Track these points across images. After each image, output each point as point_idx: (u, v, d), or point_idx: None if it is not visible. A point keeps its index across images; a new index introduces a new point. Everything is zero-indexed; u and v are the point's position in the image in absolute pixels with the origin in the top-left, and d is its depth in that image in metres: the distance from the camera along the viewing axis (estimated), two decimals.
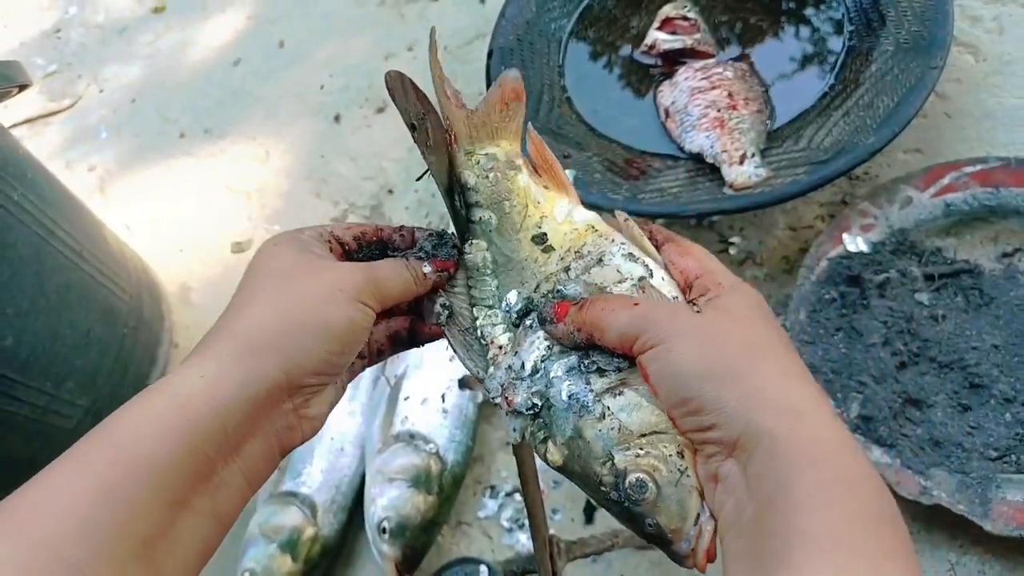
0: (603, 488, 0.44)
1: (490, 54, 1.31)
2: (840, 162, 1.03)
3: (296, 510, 1.09)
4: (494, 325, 0.52)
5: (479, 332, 0.52)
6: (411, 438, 1.09)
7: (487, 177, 0.54)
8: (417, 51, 1.57)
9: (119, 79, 1.82)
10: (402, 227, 0.55)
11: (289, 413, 0.46)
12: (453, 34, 1.56)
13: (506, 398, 0.48)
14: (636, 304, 0.45)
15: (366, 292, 0.48)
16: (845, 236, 1.08)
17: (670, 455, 0.43)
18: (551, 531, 0.81)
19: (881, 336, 1.00)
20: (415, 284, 0.52)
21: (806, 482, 0.37)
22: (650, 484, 0.42)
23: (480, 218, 0.54)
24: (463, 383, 1.14)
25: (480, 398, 1.14)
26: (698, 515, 0.42)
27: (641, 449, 0.43)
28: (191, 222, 1.53)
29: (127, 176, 1.65)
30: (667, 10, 1.26)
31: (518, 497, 1.10)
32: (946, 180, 1.08)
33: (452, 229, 0.56)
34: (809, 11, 1.24)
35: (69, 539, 0.37)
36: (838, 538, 0.36)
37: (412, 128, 0.50)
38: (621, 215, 0.53)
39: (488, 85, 1.26)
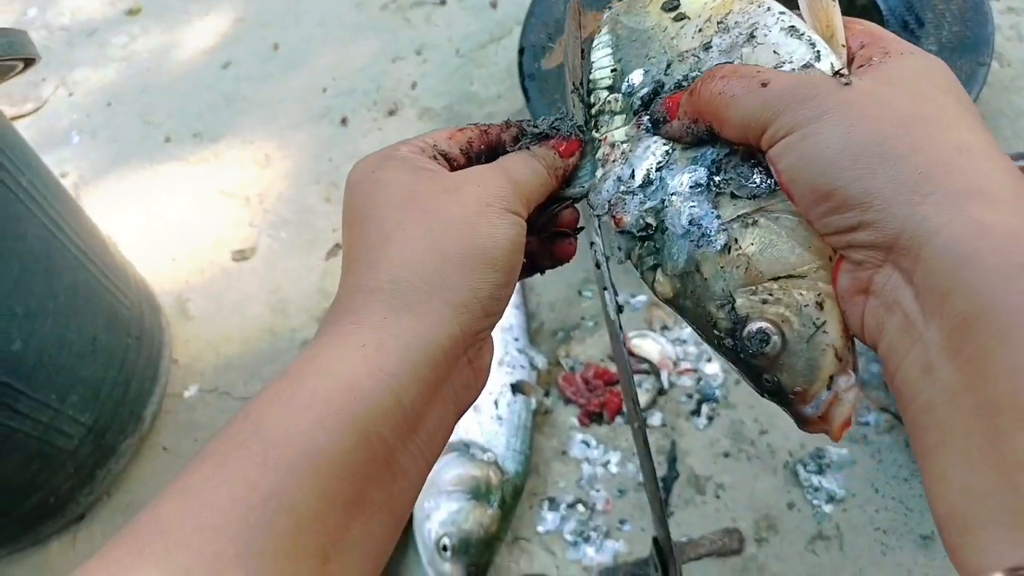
0: (716, 332, 0.37)
1: (521, 51, 1.26)
2: None
3: None
4: (613, 114, 0.43)
5: (593, 122, 0.43)
6: (466, 447, 1.01)
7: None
8: (426, 54, 1.51)
9: (90, 82, 1.69)
10: (508, 122, 0.45)
11: (465, 368, 0.38)
12: (465, 38, 1.51)
13: (614, 216, 0.40)
14: (764, 84, 0.35)
15: (513, 198, 0.39)
16: None
17: (806, 305, 0.35)
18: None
19: None
20: (549, 177, 0.42)
21: (1021, 294, 0.27)
22: (774, 337, 0.35)
23: (606, 15, 0.46)
24: (517, 388, 1.07)
25: (534, 404, 1.07)
26: (831, 378, 0.35)
27: (771, 294, 0.36)
28: (183, 230, 1.41)
29: (105, 182, 1.52)
30: None
31: (581, 508, 1.02)
32: None
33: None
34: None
35: (227, 563, 0.28)
36: None
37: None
38: None
39: (522, 80, 1.22)
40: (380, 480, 0.34)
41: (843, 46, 0.38)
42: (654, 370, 1.08)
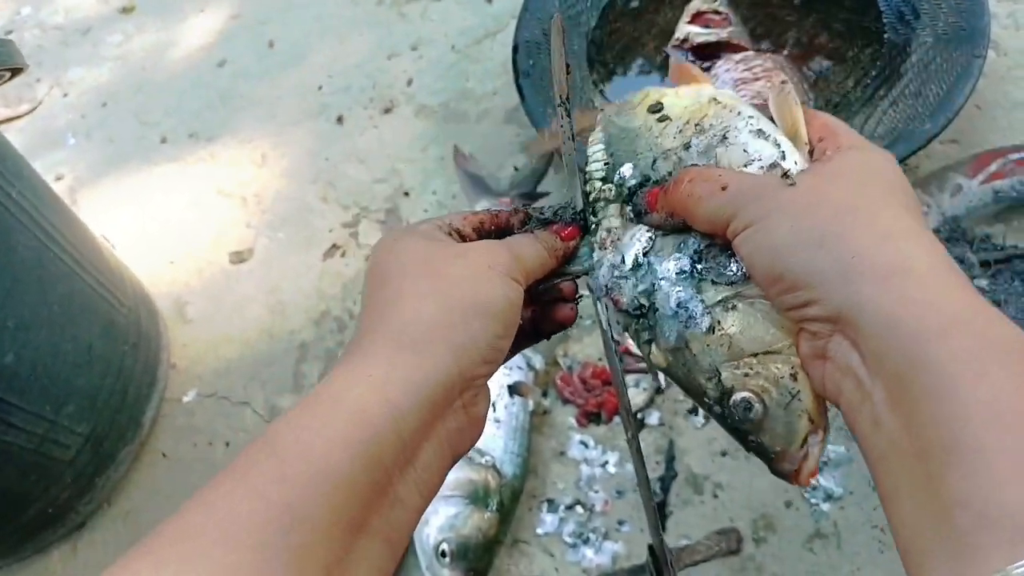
0: (706, 399, 0.43)
1: (515, 48, 1.25)
2: (900, 148, 1.02)
3: None
4: (608, 202, 0.49)
5: (591, 207, 0.50)
6: None
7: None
8: (422, 50, 1.50)
9: (86, 82, 1.68)
10: (516, 208, 0.52)
11: (459, 412, 0.42)
12: (461, 33, 1.50)
13: (612, 298, 0.46)
14: (724, 187, 0.41)
15: (514, 267, 0.45)
16: None
17: (782, 377, 0.40)
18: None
19: None
20: (549, 256, 0.48)
21: (940, 353, 0.32)
22: (757, 405, 0.40)
23: (599, 116, 0.52)
24: (514, 389, 1.06)
25: (532, 405, 1.07)
26: (806, 437, 0.40)
27: (751, 368, 0.41)
28: (181, 231, 1.41)
29: (102, 184, 1.52)
30: (697, 4, 1.24)
31: (580, 510, 1.03)
32: (993, 167, 1.08)
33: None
34: (838, 4, 1.23)
35: (247, 569, 0.31)
36: (1012, 408, 0.30)
37: (567, 73, 0.48)
38: (778, 76, 0.48)
39: (516, 78, 1.21)
40: (380, 507, 0.37)
41: (806, 144, 0.44)
42: (651, 369, 1.08)
